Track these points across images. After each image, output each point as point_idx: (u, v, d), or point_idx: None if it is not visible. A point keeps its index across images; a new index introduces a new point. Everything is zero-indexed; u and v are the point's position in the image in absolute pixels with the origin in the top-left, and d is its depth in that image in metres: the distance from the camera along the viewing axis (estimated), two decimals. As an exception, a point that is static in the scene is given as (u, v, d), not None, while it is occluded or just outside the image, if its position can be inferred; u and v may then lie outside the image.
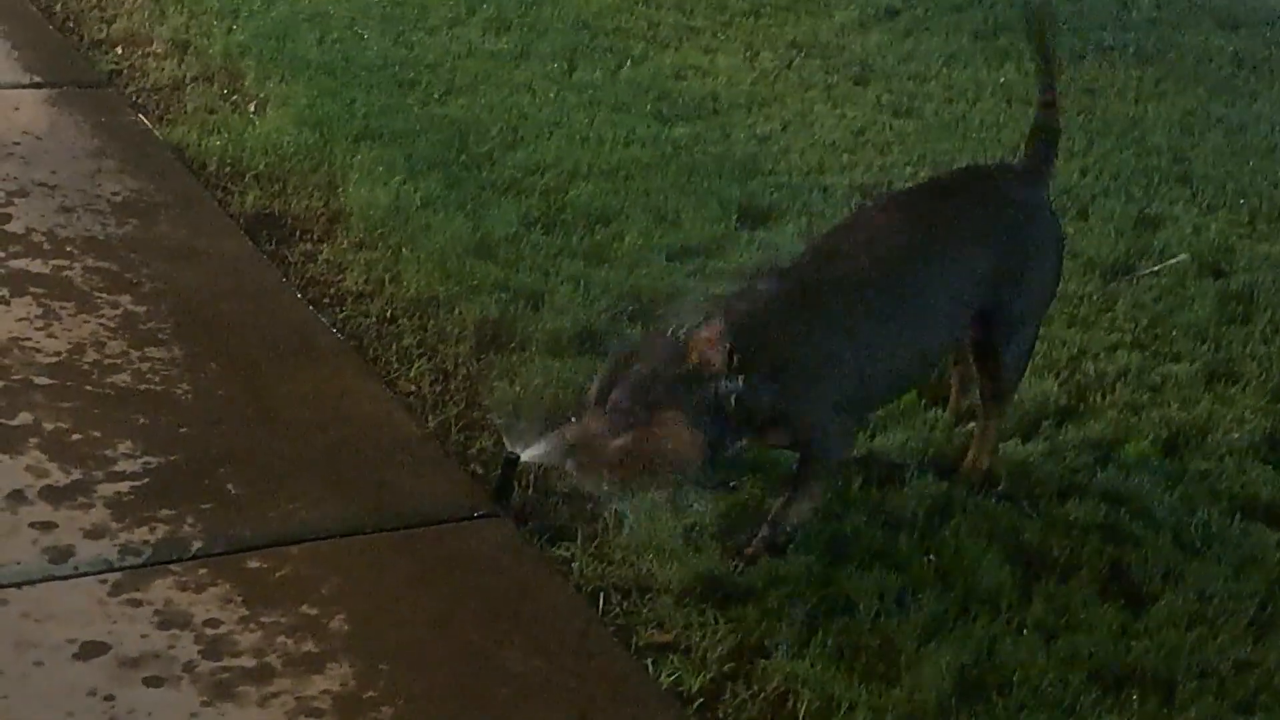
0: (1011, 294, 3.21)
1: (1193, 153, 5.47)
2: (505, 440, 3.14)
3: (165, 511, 2.95)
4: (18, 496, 2.92)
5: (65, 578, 2.74)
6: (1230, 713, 2.80)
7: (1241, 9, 7.39)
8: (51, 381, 3.30)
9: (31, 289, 3.65)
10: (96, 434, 3.15)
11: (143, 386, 3.35)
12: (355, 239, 4.16)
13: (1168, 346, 4.05)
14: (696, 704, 2.70)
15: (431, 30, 5.77)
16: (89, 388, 3.31)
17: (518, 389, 3.49)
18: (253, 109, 4.90)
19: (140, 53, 5.29)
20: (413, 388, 3.56)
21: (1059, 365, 3.87)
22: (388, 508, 3.07)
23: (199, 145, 4.60)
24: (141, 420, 3.23)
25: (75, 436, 3.13)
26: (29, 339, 3.44)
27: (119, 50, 5.30)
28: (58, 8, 5.63)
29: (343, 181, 4.43)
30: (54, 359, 3.38)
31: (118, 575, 2.76)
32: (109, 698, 2.48)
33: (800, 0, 6.68)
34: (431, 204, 4.31)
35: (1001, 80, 5.98)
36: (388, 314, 3.83)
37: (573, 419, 2.89)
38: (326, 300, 3.89)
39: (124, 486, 3.00)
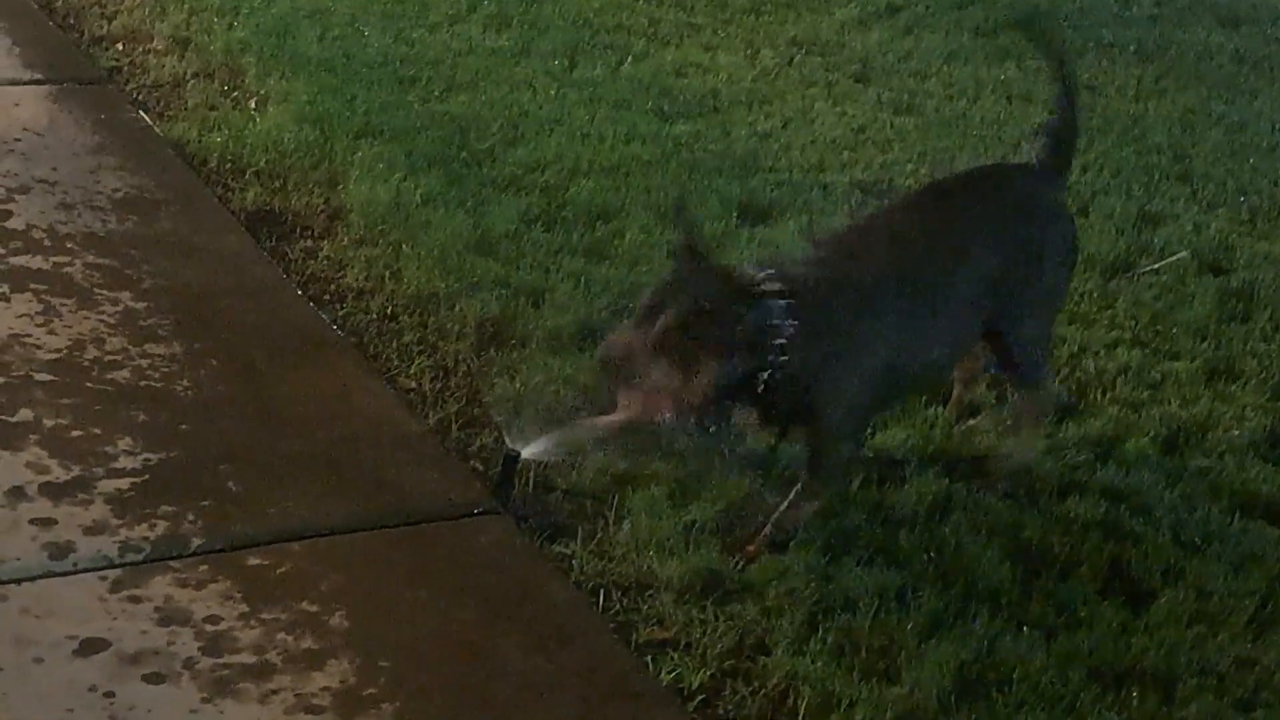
0: (1027, 292, 3.24)
1: (1193, 150, 5.48)
2: (505, 437, 3.15)
3: (165, 508, 2.94)
4: (18, 493, 2.92)
5: (65, 574, 2.74)
6: (1230, 710, 2.80)
7: (1242, 6, 7.39)
8: (52, 378, 3.30)
9: (32, 285, 3.64)
10: (97, 430, 3.15)
11: (143, 383, 3.35)
12: (356, 236, 4.16)
13: (1168, 344, 4.05)
14: (697, 701, 2.70)
15: (432, 27, 5.77)
16: (89, 384, 3.30)
17: (518, 386, 3.49)
18: (253, 105, 4.90)
19: (141, 49, 5.28)
20: (413, 385, 3.56)
21: (1059, 362, 3.87)
22: (388, 505, 3.07)
23: (199, 142, 4.60)
24: (141, 417, 3.22)
25: (75, 433, 3.13)
26: (29, 335, 3.44)
27: (119, 46, 5.29)
28: (58, 4, 5.61)
29: (343, 178, 4.42)
30: (54, 355, 3.38)
31: (118, 572, 2.76)
32: (109, 694, 2.48)
33: (801, -2, 6.69)
34: (432, 201, 4.31)
35: (1002, 77, 5.98)
36: (388, 311, 3.83)
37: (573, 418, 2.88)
38: (327, 297, 3.89)
39: (124, 483, 3.00)
